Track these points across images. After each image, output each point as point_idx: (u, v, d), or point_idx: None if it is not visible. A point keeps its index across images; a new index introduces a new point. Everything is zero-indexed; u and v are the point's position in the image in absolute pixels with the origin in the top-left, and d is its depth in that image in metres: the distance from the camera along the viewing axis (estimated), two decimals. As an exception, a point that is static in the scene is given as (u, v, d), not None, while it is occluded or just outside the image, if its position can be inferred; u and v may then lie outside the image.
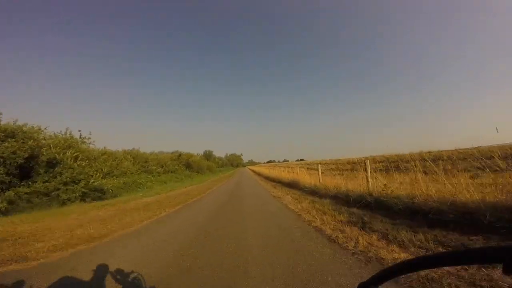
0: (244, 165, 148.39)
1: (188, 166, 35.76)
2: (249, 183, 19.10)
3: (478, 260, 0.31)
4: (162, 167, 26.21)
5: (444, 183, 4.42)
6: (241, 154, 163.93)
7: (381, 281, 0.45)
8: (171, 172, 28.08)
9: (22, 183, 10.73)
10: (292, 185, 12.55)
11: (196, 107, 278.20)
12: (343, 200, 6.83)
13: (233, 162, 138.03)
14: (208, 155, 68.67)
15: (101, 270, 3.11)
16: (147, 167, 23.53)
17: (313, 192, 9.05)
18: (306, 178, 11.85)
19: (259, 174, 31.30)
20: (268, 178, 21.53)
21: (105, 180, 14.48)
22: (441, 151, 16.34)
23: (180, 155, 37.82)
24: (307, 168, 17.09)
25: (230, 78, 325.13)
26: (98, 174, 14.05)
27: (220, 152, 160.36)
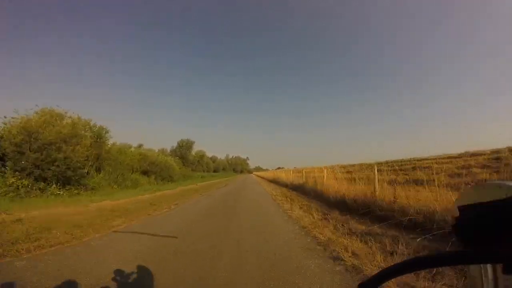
0: (250, 171, 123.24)
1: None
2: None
3: (478, 260, 0.30)
4: None
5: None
6: (247, 157, 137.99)
7: (381, 282, 0.42)
8: None
9: None
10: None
11: (202, 106, 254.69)
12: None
13: (236, 166, 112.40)
14: (184, 147, 40.57)
15: None
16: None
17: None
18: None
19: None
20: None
21: None
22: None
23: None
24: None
25: (242, 83, 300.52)
26: None
27: (221, 153, 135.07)
